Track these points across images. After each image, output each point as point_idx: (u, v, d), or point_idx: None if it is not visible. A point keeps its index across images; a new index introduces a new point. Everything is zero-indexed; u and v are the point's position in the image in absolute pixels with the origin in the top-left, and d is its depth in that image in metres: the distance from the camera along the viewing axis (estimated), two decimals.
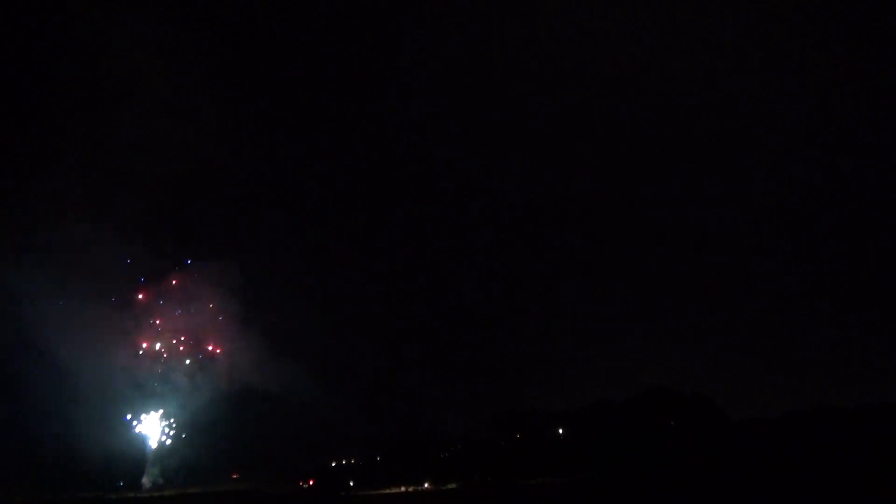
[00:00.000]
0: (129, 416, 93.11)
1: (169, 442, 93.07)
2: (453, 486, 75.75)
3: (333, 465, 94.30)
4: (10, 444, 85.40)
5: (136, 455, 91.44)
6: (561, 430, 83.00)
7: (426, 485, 77.88)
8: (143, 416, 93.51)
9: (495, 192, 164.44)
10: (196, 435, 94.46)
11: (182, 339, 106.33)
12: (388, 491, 76.31)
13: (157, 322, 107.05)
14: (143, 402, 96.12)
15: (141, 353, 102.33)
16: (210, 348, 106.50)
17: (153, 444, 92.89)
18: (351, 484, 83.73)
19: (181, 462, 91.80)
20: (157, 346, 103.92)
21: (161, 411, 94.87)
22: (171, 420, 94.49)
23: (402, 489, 76.54)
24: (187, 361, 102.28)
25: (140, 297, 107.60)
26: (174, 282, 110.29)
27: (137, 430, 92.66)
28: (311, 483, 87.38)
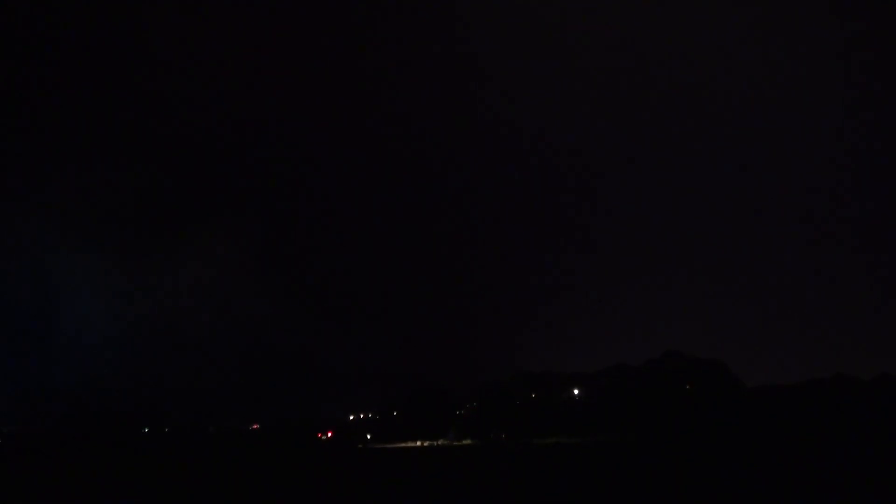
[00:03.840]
0: (149, 364, 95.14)
1: (190, 390, 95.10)
2: (468, 442, 76.95)
3: (351, 418, 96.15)
4: (35, 388, 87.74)
5: (157, 402, 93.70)
6: (577, 392, 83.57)
7: (441, 441, 79.18)
8: (164, 365, 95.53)
9: (522, 156, 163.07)
10: (217, 385, 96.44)
11: (203, 288, 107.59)
12: (404, 445, 77.75)
13: (178, 273, 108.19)
14: (165, 350, 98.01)
15: (162, 302, 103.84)
16: (230, 300, 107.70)
17: (174, 391, 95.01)
18: (368, 437, 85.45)
19: (201, 409, 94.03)
20: (178, 296, 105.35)
21: (181, 360, 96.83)
22: (191, 369, 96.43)
23: (418, 444, 77.90)
24: (208, 312, 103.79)
25: (161, 248, 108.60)
26: (192, 233, 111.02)
27: (158, 377, 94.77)
28: (329, 435, 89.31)
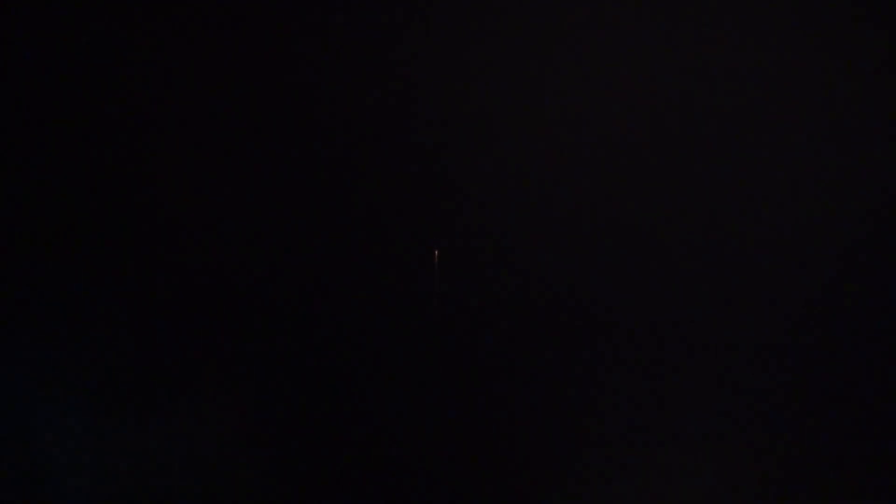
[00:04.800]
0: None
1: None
2: None
3: None
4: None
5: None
6: None
7: None
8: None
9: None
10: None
11: (191, 458, 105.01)
12: None
13: (166, 442, 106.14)
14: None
15: (147, 471, 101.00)
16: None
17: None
18: None
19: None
20: (164, 464, 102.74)
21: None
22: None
23: None
24: (197, 483, 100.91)
25: (146, 420, 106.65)
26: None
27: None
28: None
